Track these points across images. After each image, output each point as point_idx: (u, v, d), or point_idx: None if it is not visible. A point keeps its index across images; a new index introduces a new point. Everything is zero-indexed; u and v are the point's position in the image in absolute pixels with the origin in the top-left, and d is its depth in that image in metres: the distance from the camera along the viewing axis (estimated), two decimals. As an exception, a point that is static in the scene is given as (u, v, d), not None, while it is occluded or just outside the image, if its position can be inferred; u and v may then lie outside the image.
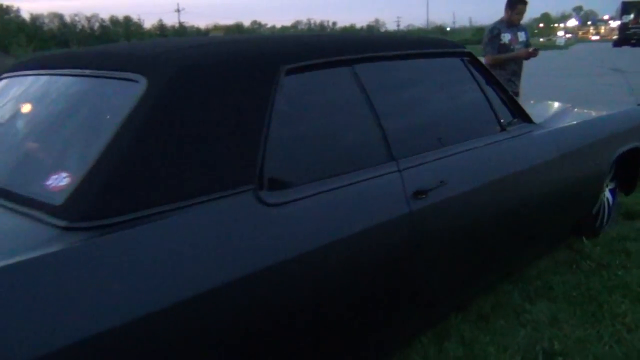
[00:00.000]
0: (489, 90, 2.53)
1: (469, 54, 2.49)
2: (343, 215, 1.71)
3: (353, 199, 1.75)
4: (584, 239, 3.32)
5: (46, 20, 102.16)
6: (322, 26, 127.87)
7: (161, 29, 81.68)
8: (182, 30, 73.62)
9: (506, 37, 4.72)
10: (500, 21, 4.82)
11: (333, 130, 1.87)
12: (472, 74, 2.47)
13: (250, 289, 1.41)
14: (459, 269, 2.19)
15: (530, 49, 4.73)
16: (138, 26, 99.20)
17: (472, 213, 2.19)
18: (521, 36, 4.81)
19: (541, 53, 5.48)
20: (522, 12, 4.74)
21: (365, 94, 1.94)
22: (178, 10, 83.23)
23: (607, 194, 3.61)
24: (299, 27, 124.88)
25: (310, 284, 1.58)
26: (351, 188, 1.75)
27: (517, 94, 4.62)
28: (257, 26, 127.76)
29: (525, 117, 2.68)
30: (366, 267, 1.76)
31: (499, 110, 2.53)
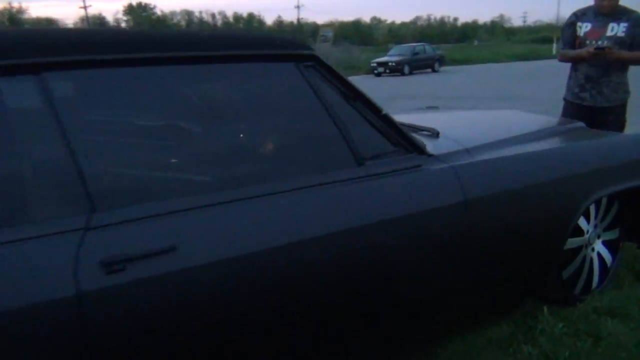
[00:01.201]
0: (340, 108, 1.80)
1: (313, 58, 1.78)
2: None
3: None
4: (545, 309, 2.42)
5: (178, 17, 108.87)
6: (442, 22, 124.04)
7: (279, 25, 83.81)
8: (298, 27, 75.00)
9: (583, 28, 3.45)
10: (588, 7, 3.50)
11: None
12: (310, 85, 1.76)
13: None
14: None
15: (591, 48, 3.33)
16: (260, 23, 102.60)
17: (227, 296, 1.47)
18: (613, 28, 3.35)
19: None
20: None
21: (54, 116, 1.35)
22: (297, 7, 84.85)
23: (600, 248, 2.66)
24: (418, 22, 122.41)
25: None
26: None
27: (601, 109, 3.47)
28: (376, 22, 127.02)
29: (411, 147, 1.91)
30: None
31: (357, 137, 1.80)
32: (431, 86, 16.57)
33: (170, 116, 1.59)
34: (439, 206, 1.87)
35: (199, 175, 1.54)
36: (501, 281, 2.20)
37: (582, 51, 3.42)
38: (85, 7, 62.28)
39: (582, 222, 2.49)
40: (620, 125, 3.45)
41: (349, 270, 1.70)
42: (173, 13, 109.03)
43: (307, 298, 1.64)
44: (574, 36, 3.55)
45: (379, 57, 24.45)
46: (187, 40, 1.66)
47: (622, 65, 3.41)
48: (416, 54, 24.05)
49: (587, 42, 3.43)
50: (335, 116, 1.76)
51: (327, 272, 1.66)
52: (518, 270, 2.24)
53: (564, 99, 3.70)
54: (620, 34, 3.35)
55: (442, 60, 25.09)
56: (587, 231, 2.54)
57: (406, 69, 22.92)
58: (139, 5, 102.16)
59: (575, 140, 2.53)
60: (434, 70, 24.11)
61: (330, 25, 41.54)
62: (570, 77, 3.65)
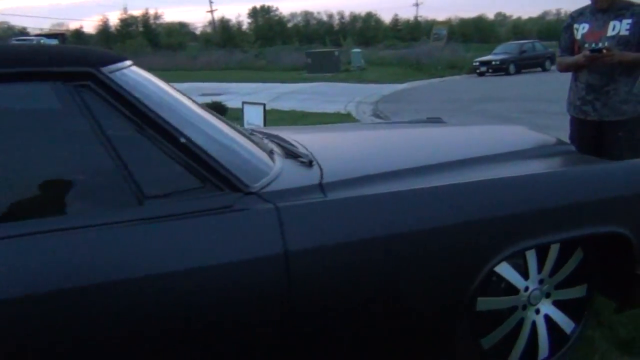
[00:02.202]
0: (120, 137, 1.48)
1: (89, 76, 1.48)
2: None
3: None
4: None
5: (299, 19, 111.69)
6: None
7: (395, 24, 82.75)
8: (415, 24, 73.61)
9: (581, 29, 2.86)
10: (586, 6, 2.94)
11: None
12: (81, 108, 1.45)
13: None
14: None
15: (587, 51, 2.70)
16: (378, 21, 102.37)
17: None
18: (614, 27, 2.72)
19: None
20: None
21: None
22: (416, 5, 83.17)
23: (550, 309, 2.07)
24: (546, 18, 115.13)
25: None
26: None
27: (609, 123, 2.81)
28: (500, 18, 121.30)
29: (222, 183, 1.54)
30: None
31: (141, 171, 1.47)
32: (531, 87, 15.29)
33: None
34: (246, 258, 1.49)
35: None
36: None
37: (578, 57, 2.77)
38: (211, 11, 65.88)
39: (514, 277, 1.94)
40: (634, 144, 2.74)
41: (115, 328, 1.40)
42: (293, 14, 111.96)
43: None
44: (571, 40, 2.90)
45: (483, 56, 23.13)
46: None
47: (631, 70, 2.70)
48: (524, 52, 22.34)
49: (586, 45, 2.76)
50: (109, 146, 1.45)
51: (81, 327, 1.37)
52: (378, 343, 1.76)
53: (568, 113, 3.04)
54: (624, 32, 2.66)
55: (553, 59, 23.11)
56: (525, 289, 1.99)
57: (512, 68, 21.38)
58: (262, 8, 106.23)
59: (523, 171, 1.98)
60: (544, 70, 22.28)
61: (446, 22, 39.99)
62: (570, 89, 2.99)
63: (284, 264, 1.51)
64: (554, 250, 1.99)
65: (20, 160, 1.45)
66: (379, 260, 1.62)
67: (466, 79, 20.75)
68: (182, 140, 1.51)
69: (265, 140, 2.15)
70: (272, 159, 1.86)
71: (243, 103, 5.62)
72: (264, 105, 5.12)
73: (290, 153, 1.96)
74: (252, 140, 1.98)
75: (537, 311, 2.04)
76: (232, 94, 15.16)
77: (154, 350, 1.46)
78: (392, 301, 1.68)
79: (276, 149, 2.03)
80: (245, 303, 1.50)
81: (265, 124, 4.89)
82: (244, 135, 2.00)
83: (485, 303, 1.91)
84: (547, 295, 2.05)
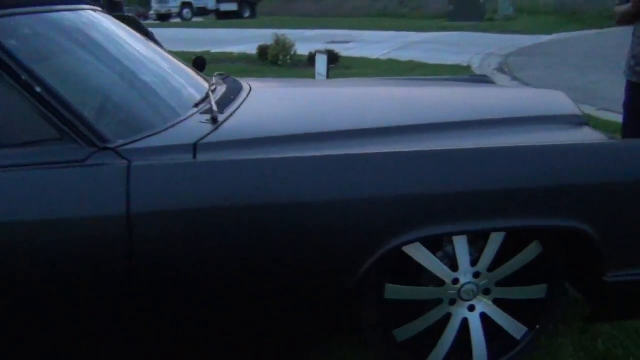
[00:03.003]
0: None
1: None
2: None
3: None
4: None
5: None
6: None
7: None
8: None
9: None
10: None
11: None
12: None
13: None
14: None
15: None
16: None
17: None
18: None
19: None
20: None
21: None
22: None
23: (490, 310, 1.76)
24: None
25: None
26: None
27: None
28: None
29: (77, 135, 1.47)
30: None
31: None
32: None
33: None
34: (88, 215, 1.44)
35: None
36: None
37: (629, 5, 2.23)
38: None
39: (436, 266, 1.67)
40: None
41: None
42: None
43: None
44: None
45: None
46: None
47: None
48: None
49: None
50: None
51: None
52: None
53: (624, 75, 2.49)
54: None
55: None
56: (454, 281, 1.71)
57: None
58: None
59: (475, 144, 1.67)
60: None
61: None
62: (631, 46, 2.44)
63: (126, 226, 1.44)
64: (494, 241, 1.68)
65: None
66: (232, 230, 1.48)
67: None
68: (38, 89, 1.47)
69: (198, 92, 2.01)
70: (174, 112, 1.76)
71: (316, 52, 5.46)
72: (327, 54, 4.92)
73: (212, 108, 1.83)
74: (174, 91, 1.90)
75: (472, 308, 1.75)
76: (360, 42, 14.91)
77: None
78: (257, 274, 1.53)
79: (202, 102, 1.90)
80: (86, 260, 1.46)
81: (328, 75, 4.71)
82: (166, 85, 1.93)
83: (396, 291, 1.68)
84: (487, 292, 1.75)
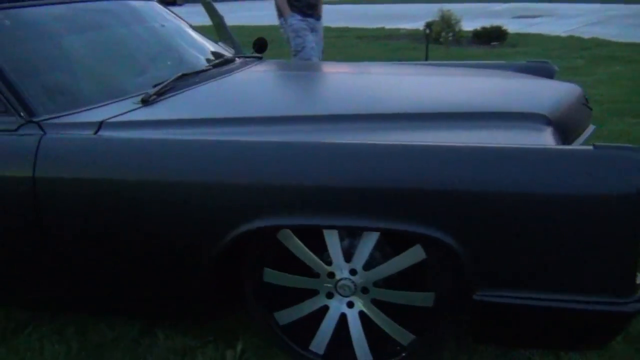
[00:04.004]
0: None
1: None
2: None
3: None
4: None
5: None
6: None
7: None
8: None
9: None
10: None
11: None
12: None
13: None
14: None
15: None
16: None
17: None
18: None
19: None
20: None
21: None
22: None
23: (367, 309, 1.71)
24: None
25: None
26: None
27: None
28: None
29: (12, 108, 1.78)
30: None
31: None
32: None
33: None
34: (10, 176, 1.76)
35: None
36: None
37: None
38: None
39: (307, 256, 1.68)
40: None
41: None
42: None
43: None
44: None
45: None
46: None
47: None
48: None
49: None
50: None
51: None
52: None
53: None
54: None
55: None
56: (331, 275, 1.69)
57: None
58: None
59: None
60: None
61: None
62: None
63: (31, 188, 1.73)
64: (368, 239, 1.63)
65: None
66: (113, 200, 1.68)
67: None
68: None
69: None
70: (117, 91, 2.01)
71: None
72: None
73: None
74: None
75: (351, 305, 1.72)
76: (551, 16, 13.62)
77: None
78: (132, 242, 1.72)
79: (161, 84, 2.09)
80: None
81: (427, 57, 4.53)
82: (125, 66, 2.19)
83: (273, 275, 1.73)
84: (365, 291, 1.69)
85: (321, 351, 1.78)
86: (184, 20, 2.88)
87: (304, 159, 1.57)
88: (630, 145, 1.42)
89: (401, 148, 1.53)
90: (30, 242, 1.79)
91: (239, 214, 1.59)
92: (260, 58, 2.95)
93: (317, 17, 4.71)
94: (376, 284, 1.68)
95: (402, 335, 1.71)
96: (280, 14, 4.68)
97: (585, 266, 1.44)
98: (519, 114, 1.83)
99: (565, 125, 1.86)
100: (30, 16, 2.09)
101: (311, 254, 1.68)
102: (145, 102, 1.94)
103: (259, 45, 3.15)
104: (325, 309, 1.75)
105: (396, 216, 1.51)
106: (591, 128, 2.14)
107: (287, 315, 1.79)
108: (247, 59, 2.83)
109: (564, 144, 1.76)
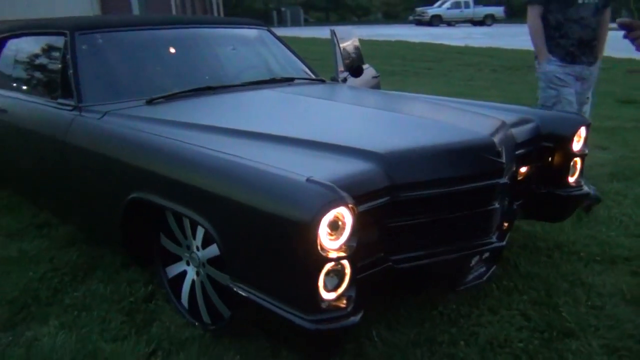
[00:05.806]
0: None
1: None
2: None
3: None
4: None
5: None
6: None
7: None
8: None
9: None
10: None
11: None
12: None
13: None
14: None
15: None
16: None
17: None
18: None
19: None
20: None
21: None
22: None
23: (206, 282, 2.12)
24: None
25: None
26: None
27: None
28: None
29: (73, 97, 2.72)
30: None
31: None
32: None
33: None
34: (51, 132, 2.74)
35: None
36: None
37: None
38: None
39: (175, 230, 2.21)
40: None
41: None
42: None
43: None
44: None
45: None
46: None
47: None
48: None
49: None
50: None
51: None
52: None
53: None
54: None
55: None
56: (188, 247, 2.19)
57: None
58: None
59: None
60: None
61: None
62: None
63: (64, 138, 2.65)
64: (187, 222, 2.13)
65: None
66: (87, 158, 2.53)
67: None
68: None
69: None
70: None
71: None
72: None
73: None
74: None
75: (198, 274, 2.18)
76: None
77: None
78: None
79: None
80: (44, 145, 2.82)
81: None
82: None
83: (164, 241, 2.31)
84: (203, 266, 2.13)
85: (186, 306, 2.29)
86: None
87: (172, 160, 2.10)
88: (324, 181, 1.59)
89: (210, 158, 1.95)
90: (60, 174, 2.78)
91: (126, 187, 2.25)
92: (322, 81, 3.41)
93: (591, 62, 3.43)
94: (210, 262, 2.11)
95: (224, 310, 2.10)
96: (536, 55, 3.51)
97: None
98: (354, 149, 1.97)
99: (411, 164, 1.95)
100: (115, 38, 3.03)
101: (176, 227, 2.21)
102: (149, 102, 2.68)
103: (355, 69, 3.73)
104: (185, 273, 2.26)
105: (187, 204, 1.97)
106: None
107: (169, 272, 2.34)
108: (312, 80, 3.36)
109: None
